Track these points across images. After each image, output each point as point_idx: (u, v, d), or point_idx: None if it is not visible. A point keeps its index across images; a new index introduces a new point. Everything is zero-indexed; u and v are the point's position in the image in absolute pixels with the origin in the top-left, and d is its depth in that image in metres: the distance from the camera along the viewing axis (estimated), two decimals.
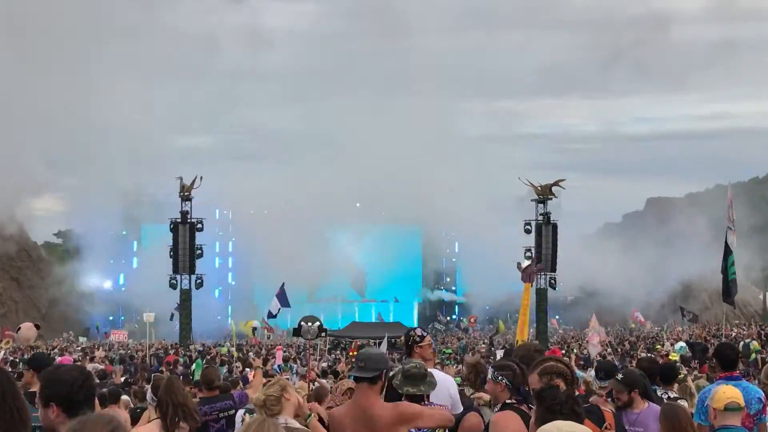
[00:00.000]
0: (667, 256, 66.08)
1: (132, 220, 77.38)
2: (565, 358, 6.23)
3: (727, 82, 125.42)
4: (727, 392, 6.08)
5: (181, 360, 29.95)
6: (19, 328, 13.49)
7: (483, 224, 63.20)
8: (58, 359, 18.20)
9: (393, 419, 5.98)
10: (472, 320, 57.16)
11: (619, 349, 35.39)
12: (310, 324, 21.40)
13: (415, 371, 6.56)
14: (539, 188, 48.91)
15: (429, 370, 6.83)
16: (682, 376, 12.96)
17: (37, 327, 13.76)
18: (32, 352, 16.78)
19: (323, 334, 23.88)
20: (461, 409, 7.29)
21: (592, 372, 14.25)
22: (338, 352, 46.20)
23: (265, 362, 25.29)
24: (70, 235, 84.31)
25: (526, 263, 25.54)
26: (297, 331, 22.28)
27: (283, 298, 29.88)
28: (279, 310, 30.66)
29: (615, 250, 66.56)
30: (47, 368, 4.89)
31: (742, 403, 6.12)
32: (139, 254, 77.46)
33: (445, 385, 7.37)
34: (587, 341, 22.97)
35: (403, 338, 7.94)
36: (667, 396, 8.52)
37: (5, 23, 66.74)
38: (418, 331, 7.64)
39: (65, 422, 4.31)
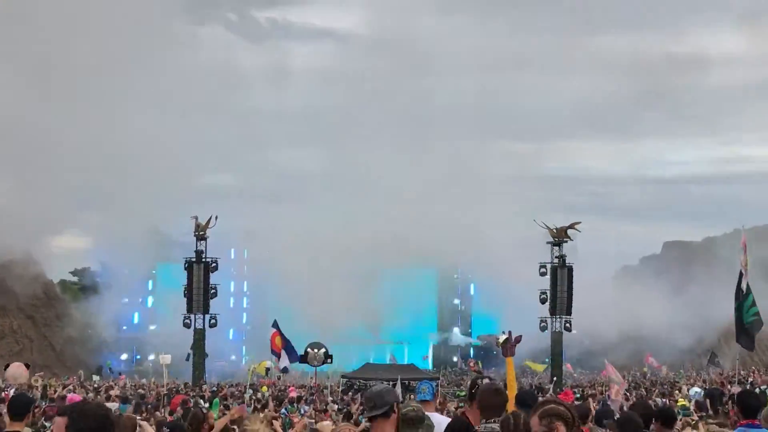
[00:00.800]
0: (687, 301, 65.58)
1: (147, 259, 77.49)
2: (565, 401, 6.10)
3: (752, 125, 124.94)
4: None
5: (191, 401, 29.66)
6: (8, 366, 13.49)
7: (500, 266, 62.98)
8: (69, 396, 18.17)
9: None
10: (472, 364, 56.65)
11: (633, 395, 34.92)
12: (316, 351, 21.53)
13: (413, 414, 6.61)
14: (554, 230, 48.84)
15: (426, 413, 6.86)
16: (694, 422, 12.79)
17: (27, 366, 13.76)
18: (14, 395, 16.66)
19: (329, 360, 23.92)
20: None
21: None
22: (352, 393, 45.96)
23: (280, 402, 25.18)
24: (86, 274, 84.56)
25: (502, 337, 25.30)
26: (304, 358, 22.30)
27: (291, 352, 29.33)
28: (288, 364, 30.03)
29: (633, 295, 66.08)
30: (72, 406, 4.89)
31: None
32: (154, 293, 77.54)
33: (443, 425, 7.46)
34: (607, 395, 22.66)
35: (468, 384, 8.08)
36: None
37: (29, 58, 67.56)
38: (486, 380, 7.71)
39: None
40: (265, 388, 37.36)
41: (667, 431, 8.93)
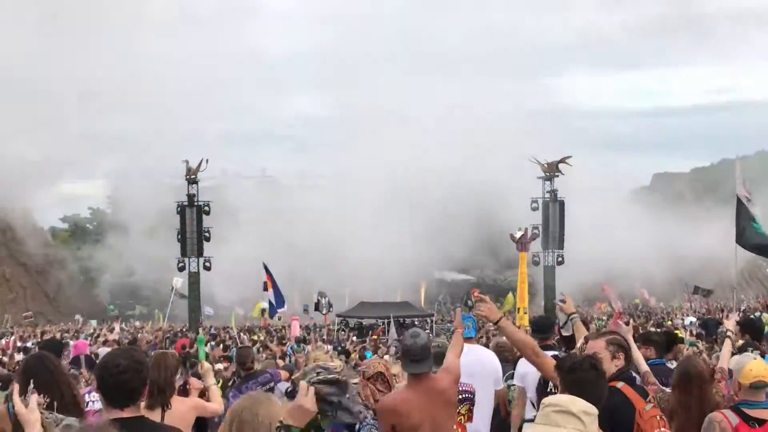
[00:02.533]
0: (675, 233, 66.00)
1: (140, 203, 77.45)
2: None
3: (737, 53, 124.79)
4: (755, 370, 6.01)
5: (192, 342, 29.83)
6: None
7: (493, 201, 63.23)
8: (73, 343, 18.24)
9: (453, 385, 6.27)
10: (476, 293, 57.02)
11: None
12: (324, 299, 21.79)
13: (437, 351, 6.75)
14: (545, 165, 48.88)
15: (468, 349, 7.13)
16: (695, 351, 12.93)
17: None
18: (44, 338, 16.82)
19: (331, 308, 24.27)
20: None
21: None
22: (346, 332, 46.35)
23: (280, 341, 25.39)
24: (77, 220, 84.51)
25: (519, 234, 25.50)
26: (317, 306, 22.56)
27: (278, 296, 28.88)
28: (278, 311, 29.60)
29: (622, 228, 66.40)
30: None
31: None
32: (147, 237, 77.54)
33: (489, 359, 8.11)
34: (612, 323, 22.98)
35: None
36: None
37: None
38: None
39: (103, 405, 4.43)
40: (260, 334, 37.67)
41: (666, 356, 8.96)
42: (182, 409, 6.95)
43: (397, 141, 72.85)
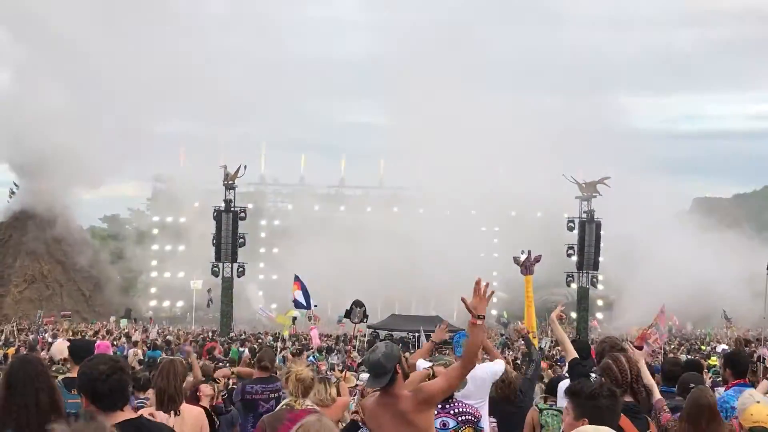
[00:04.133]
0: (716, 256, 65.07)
1: (178, 205, 78.07)
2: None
3: None
4: (755, 415, 5.98)
5: (221, 348, 30.03)
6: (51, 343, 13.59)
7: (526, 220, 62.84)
8: (97, 343, 18.41)
9: (416, 410, 5.96)
10: (504, 317, 56.46)
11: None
12: (358, 309, 21.78)
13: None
14: (583, 185, 48.61)
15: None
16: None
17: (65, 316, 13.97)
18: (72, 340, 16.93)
19: (365, 319, 24.16)
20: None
21: None
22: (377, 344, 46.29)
23: (300, 352, 25.36)
24: (117, 220, 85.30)
25: (522, 257, 25.28)
26: (348, 313, 22.54)
27: (306, 295, 28.54)
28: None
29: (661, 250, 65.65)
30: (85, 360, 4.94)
31: None
32: (183, 240, 78.11)
33: (483, 377, 7.78)
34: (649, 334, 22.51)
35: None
36: None
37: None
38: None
39: (101, 414, 4.41)
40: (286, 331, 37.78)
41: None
42: (192, 416, 6.97)
43: (456, 154, 72.82)
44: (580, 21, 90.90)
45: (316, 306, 31.02)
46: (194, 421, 6.87)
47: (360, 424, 7.28)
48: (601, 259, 50.46)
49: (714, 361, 18.75)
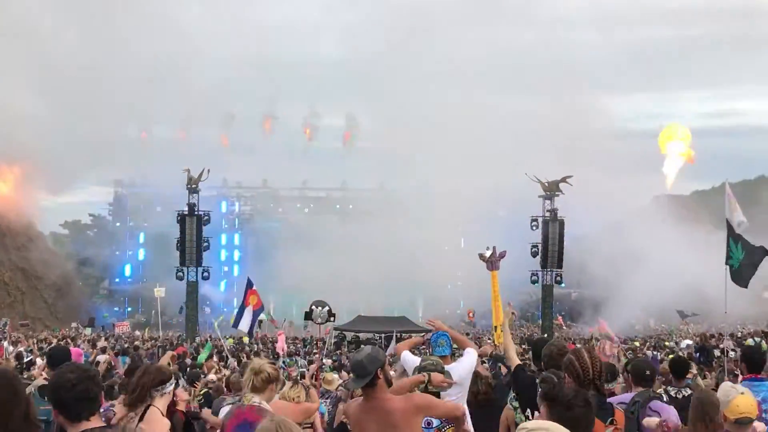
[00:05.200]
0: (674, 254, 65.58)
1: (139, 211, 77.58)
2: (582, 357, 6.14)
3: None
4: (741, 406, 6.05)
5: (189, 351, 29.90)
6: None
7: (491, 219, 63.01)
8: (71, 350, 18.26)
9: (407, 411, 6.05)
10: (471, 314, 56.65)
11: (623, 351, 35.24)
12: (320, 308, 21.50)
13: (432, 369, 6.68)
14: (546, 184, 48.97)
15: (445, 367, 6.94)
16: (692, 376, 12.91)
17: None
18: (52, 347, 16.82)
19: (332, 318, 23.83)
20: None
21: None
22: (344, 346, 46.31)
23: (275, 358, 25.32)
24: (78, 226, 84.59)
25: (488, 253, 25.42)
26: (309, 315, 22.33)
27: (254, 319, 26.10)
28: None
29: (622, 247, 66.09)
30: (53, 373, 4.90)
31: (754, 415, 6.13)
32: (146, 246, 77.66)
33: (463, 375, 7.75)
34: (601, 351, 22.70)
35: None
36: (681, 395, 8.44)
37: None
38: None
39: (68, 423, 4.42)
40: (231, 340, 37.69)
41: (678, 384, 8.88)
42: (157, 427, 6.61)
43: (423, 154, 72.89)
44: (544, 19, 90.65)
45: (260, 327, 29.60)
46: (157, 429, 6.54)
47: (348, 426, 7.26)
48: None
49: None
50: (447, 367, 7.36)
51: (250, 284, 24.62)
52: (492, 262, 25.63)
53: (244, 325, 23.31)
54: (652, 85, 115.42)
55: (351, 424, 6.32)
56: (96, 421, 4.44)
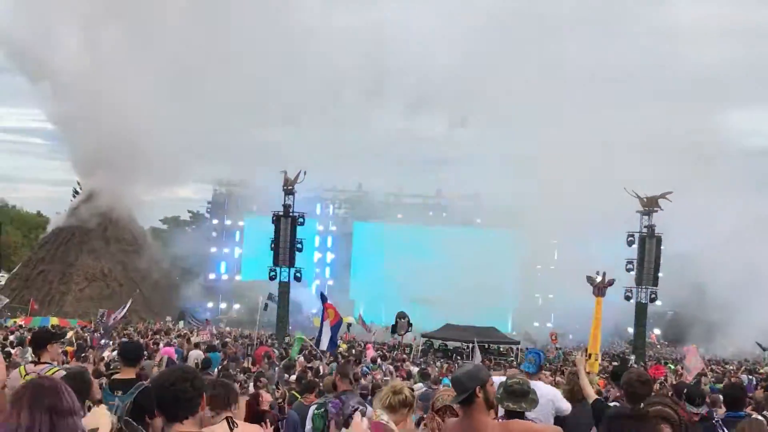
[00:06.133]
0: None
1: (236, 211, 78.86)
2: (674, 404, 6.02)
3: None
4: None
5: (276, 352, 30.09)
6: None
7: (586, 234, 62.14)
8: (162, 350, 18.56)
9: None
10: (553, 337, 55.89)
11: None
12: (402, 320, 21.78)
13: (518, 387, 6.56)
14: (645, 200, 48.09)
15: (532, 386, 6.82)
16: None
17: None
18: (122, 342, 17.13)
19: (410, 328, 23.99)
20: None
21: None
22: (431, 353, 46.23)
23: (357, 362, 25.35)
24: (177, 222, 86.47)
25: (598, 278, 25.06)
26: (395, 328, 22.56)
27: (333, 334, 25.23)
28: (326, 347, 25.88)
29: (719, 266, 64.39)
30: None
31: None
32: (241, 244, 78.92)
33: (548, 398, 7.44)
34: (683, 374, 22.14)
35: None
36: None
37: None
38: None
39: (163, 420, 4.55)
40: (343, 345, 37.79)
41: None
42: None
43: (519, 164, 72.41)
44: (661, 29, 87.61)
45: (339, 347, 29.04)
46: None
47: None
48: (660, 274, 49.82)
49: None
50: (533, 383, 7.25)
51: (324, 299, 24.36)
52: (599, 288, 25.38)
53: (324, 344, 22.94)
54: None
55: None
56: (189, 426, 4.49)
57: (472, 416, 5.95)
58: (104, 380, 8.26)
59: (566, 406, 8.09)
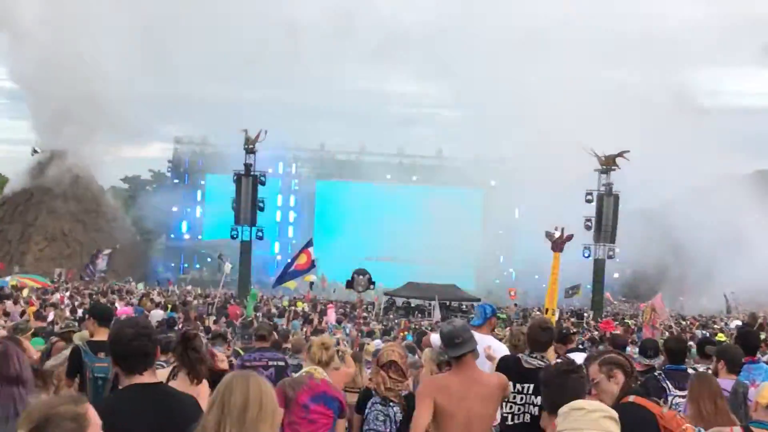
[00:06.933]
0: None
1: (198, 171, 78.52)
2: (624, 353, 6.25)
3: None
4: None
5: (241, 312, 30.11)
6: None
7: (547, 193, 62.51)
8: (119, 310, 18.64)
9: (501, 386, 6.27)
10: (512, 293, 56.38)
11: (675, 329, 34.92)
12: (361, 276, 21.94)
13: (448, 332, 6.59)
14: (603, 158, 48.48)
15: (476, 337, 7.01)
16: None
17: None
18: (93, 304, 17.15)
19: (372, 286, 24.15)
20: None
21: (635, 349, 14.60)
22: (393, 311, 46.66)
23: (319, 322, 25.63)
24: (138, 182, 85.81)
25: (556, 234, 25.35)
26: (350, 284, 22.71)
27: (287, 273, 26.43)
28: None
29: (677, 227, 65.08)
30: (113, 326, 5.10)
31: None
32: (203, 204, 78.67)
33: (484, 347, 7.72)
34: (650, 324, 22.49)
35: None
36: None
37: None
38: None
39: (122, 375, 4.65)
40: (300, 303, 37.95)
41: (703, 361, 8.78)
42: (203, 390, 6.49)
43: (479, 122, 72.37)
44: None
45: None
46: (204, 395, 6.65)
47: (373, 392, 7.37)
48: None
49: (722, 337, 18.69)
50: (482, 336, 7.56)
51: (309, 244, 24.90)
52: (558, 244, 25.67)
53: (276, 277, 23.49)
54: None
55: (437, 391, 6.11)
56: (149, 376, 4.60)
57: (474, 367, 6.22)
58: (80, 342, 8.25)
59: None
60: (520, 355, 7.22)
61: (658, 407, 5.39)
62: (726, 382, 7.52)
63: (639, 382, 6.96)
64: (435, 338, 8.12)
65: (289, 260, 26.42)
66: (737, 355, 8.15)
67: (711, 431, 5.87)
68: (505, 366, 6.97)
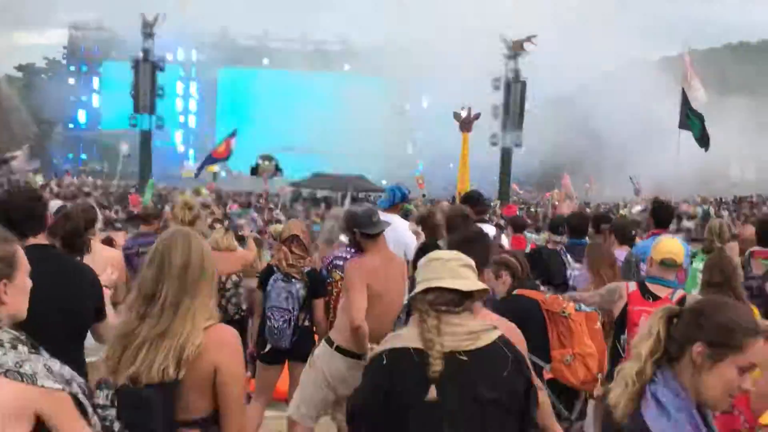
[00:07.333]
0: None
1: (94, 57, 75.64)
2: (516, 254, 6.38)
3: None
4: (667, 246, 6.10)
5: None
6: None
7: (455, 80, 61.98)
8: None
9: (404, 263, 6.58)
10: (420, 181, 56.24)
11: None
12: (267, 162, 21.33)
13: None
14: (511, 43, 47.89)
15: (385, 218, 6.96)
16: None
17: None
18: None
19: (279, 173, 23.58)
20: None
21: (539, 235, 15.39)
22: (300, 202, 45.99)
23: (224, 216, 24.89)
24: (32, 69, 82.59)
25: (464, 113, 24.95)
26: (254, 170, 22.01)
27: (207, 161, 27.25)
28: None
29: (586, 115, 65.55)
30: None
31: (680, 260, 6.13)
32: (100, 93, 76.09)
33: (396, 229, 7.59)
34: (556, 205, 22.45)
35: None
36: None
37: None
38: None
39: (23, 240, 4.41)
40: (204, 191, 37.06)
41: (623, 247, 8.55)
42: (104, 255, 6.57)
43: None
44: None
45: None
46: (105, 259, 6.24)
47: (275, 269, 7.15)
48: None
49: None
50: (391, 216, 7.49)
51: (233, 134, 24.81)
52: (466, 123, 25.17)
53: (198, 165, 23.80)
54: None
55: (367, 274, 6.09)
56: (42, 239, 4.66)
57: (385, 246, 6.41)
58: None
59: (410, 240, 7.84)
60: (440, 241, 6.95)
61: (541, 294, 5.83)
62: (618, 252, 7.92)
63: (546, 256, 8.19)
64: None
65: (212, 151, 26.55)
66: (627, 227, 8.90)
67: (606, 287, 6.27)
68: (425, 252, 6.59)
